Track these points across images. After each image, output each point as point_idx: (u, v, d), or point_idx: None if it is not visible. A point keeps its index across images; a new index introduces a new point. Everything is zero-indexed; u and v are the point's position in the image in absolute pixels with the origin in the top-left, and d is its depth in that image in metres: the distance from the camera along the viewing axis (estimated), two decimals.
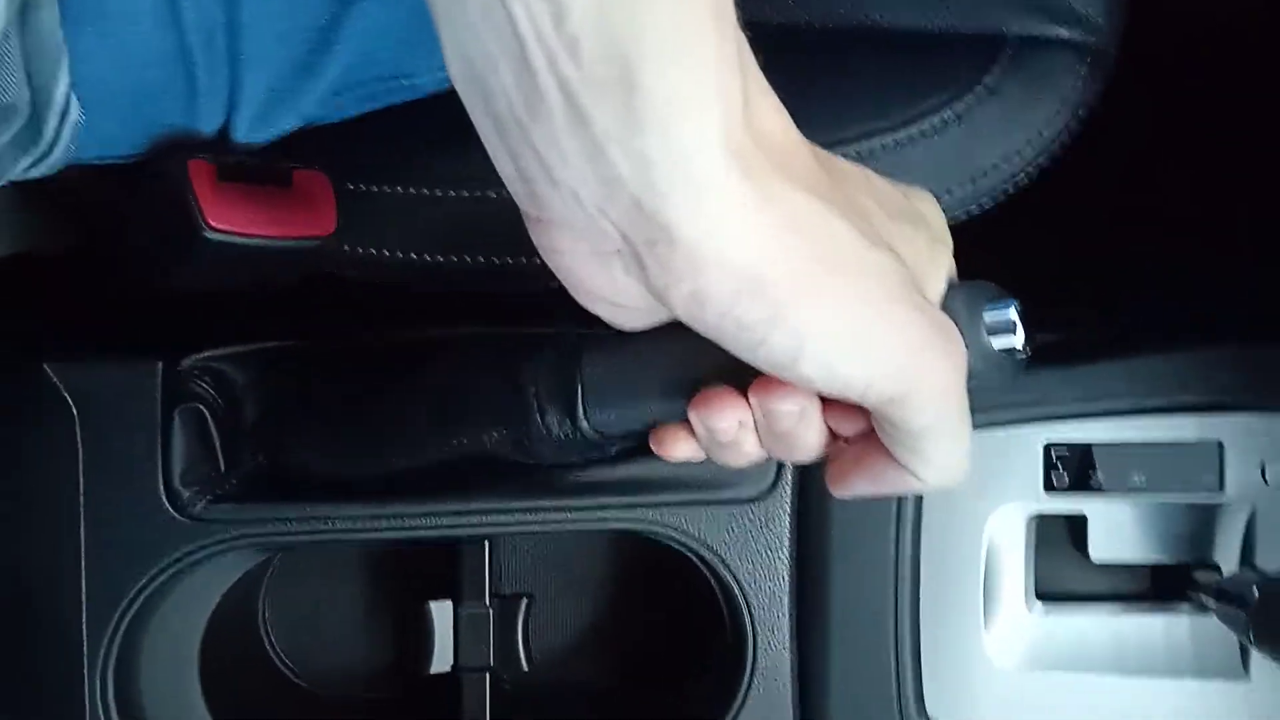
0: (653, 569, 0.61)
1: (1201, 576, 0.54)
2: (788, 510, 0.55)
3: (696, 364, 0.37)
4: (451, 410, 0.44)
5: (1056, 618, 0.56)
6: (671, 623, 0.62)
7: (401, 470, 0.49)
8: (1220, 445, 0.53)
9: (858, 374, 0.32)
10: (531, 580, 0.61)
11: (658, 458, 0.53)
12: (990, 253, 0.42)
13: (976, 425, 0.53)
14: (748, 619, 0.54)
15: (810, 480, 0.54)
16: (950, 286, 0.36)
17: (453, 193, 0.49)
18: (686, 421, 0.38)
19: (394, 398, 0.47)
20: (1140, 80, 0.53)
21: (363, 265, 0.50)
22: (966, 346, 0.34)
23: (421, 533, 0.53)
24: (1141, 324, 0.55)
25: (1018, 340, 0.35)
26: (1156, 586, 0.56)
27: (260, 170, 0.43)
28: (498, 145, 0.30)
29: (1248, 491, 0.53)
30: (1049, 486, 0.54)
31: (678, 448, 0.40)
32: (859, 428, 0.36)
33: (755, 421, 0.36)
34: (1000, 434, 0.54)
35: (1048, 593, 0.56)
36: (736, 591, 0.54)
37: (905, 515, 0.54)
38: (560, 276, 0.34)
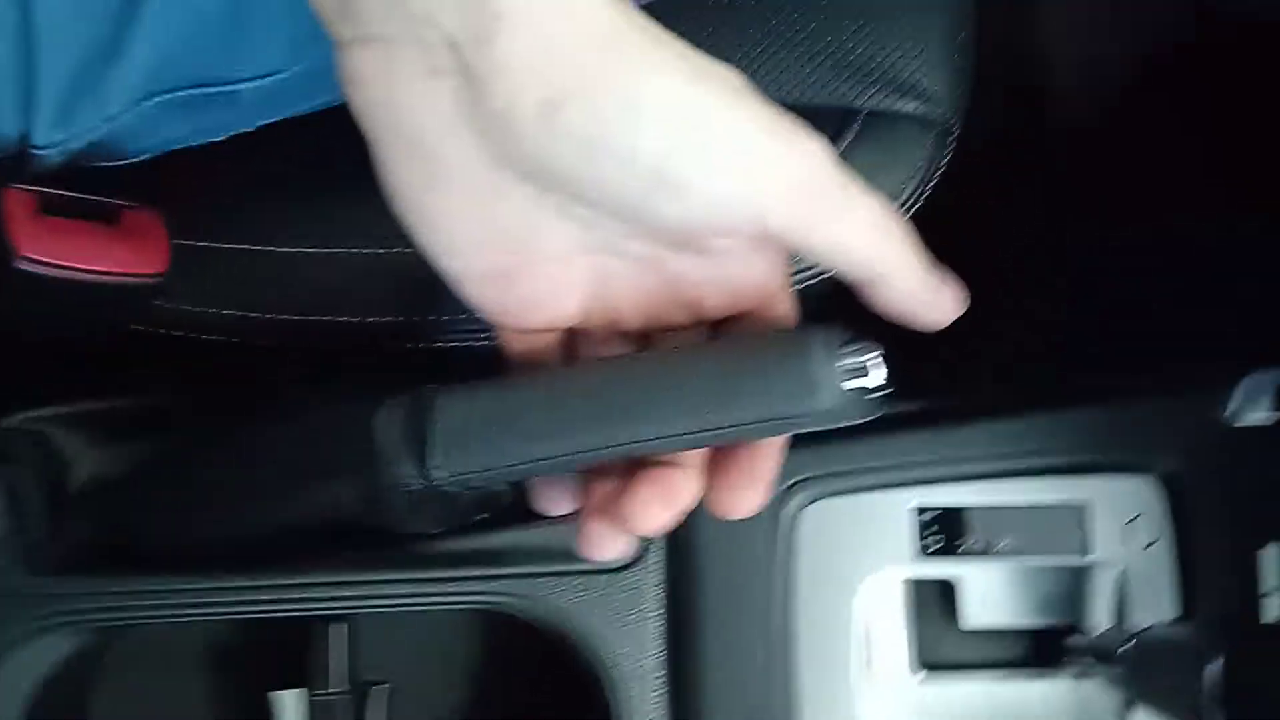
0: (522, 647, 0.58)
1: (1075, 640, 0.53)
2: (657, 580, 0.53)
3: (563, 409, 0.36)
4: (299, 465, 0.42)
5: (938, 686, 0.54)
6: (542, 704, 0.59)
7: (248, 540, 0.47)
8: (1085, 507, 0.53)
9: (742, 171, 0.30)
10: (393, 665, 0.58)
11: (518, 526, 0.52)
12: (848, 319, 0.42)
13: (843, 491, 0.53)
14: (618, 697, 0.52)
15: (681, 546, 0.53)
16: (806, 329, 0.36)
17: (288, 249, 0.48)
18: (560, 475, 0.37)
19: (237, 455, 0.44)
20: (988, 150, 0.54)
21: (196, 323, 0.48)
22: (823, 388, 0.34)
23: (267, 610, 0.49)
24: (1003, 386, 0.55)
25: (873, 380, 0.34)
26: (1034, 651, 0.55)
27: (86, 205, 0.41)
28: None
29: (1115, 553, 0.53)
30: (920, 551, 0.53)
31: (560, 506, 0.38)
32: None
33: None
34: (869, 498, 0.53)
35: (930, 660, 0.55)
36: (606, 668, 0.52)
37: (777, 583, 0.53)
38: (367, 116, 0.31)
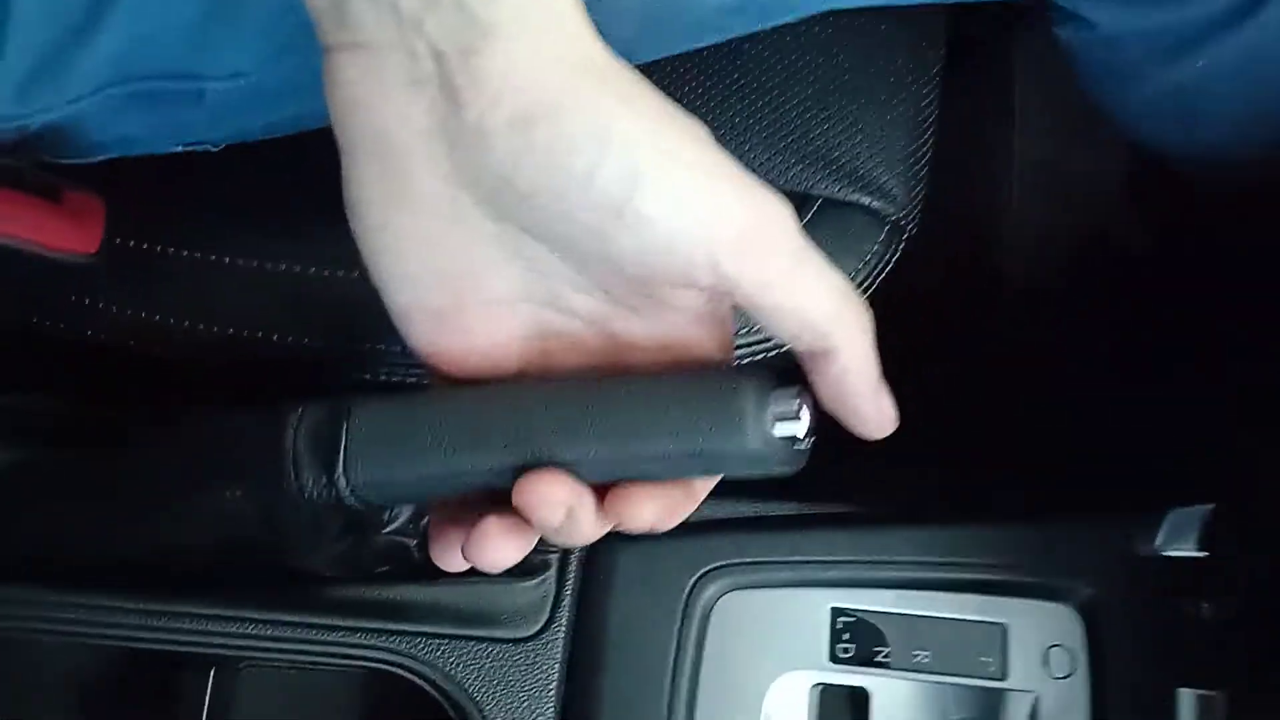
0: (399, 711, 0.54)
1: None
2: (558, 657, 0.50)
3: (481, 425, 0.34)
4: (194, 463, 0.39)
5: None
6: None
7: (125, 556, 0.43)
8: (1004, 628, 0.52)
9: (703, 211, 0.30)
10: (257, 707, 0.53)
11: (420, 582, 0.50)
12: None
13: (760, 584, 0.51)
14: None
15: (588, 620, 0.50)
16: (738, 369, 0.35)
17: (228, 259, 0.47)
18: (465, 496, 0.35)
19: (124, 456, 0.42)
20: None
21: (119, 327, 0.46)
22: (751, 428, 0.33)
23: (134, 637, 0.46)
24: (929, 495, 0.55)
25: (801, 428, 0.34)
26: None
27: (27, 176, 0.40)
28: None
29: (1031, 679, 0.52)
30: (834, 657, 0.51)
31: (450, 557, 0.36)
32: (649, 512, 0.34)
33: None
34: (786, 595, 0.52)
35: None
36: None
37: (683, 673, 0.50)
38: (344, 120, 0.31)
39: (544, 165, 0.30)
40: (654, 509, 0.34)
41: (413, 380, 0.47)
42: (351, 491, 0.36)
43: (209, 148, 0.47)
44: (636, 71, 0.31)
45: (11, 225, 0.38)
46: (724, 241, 0.31)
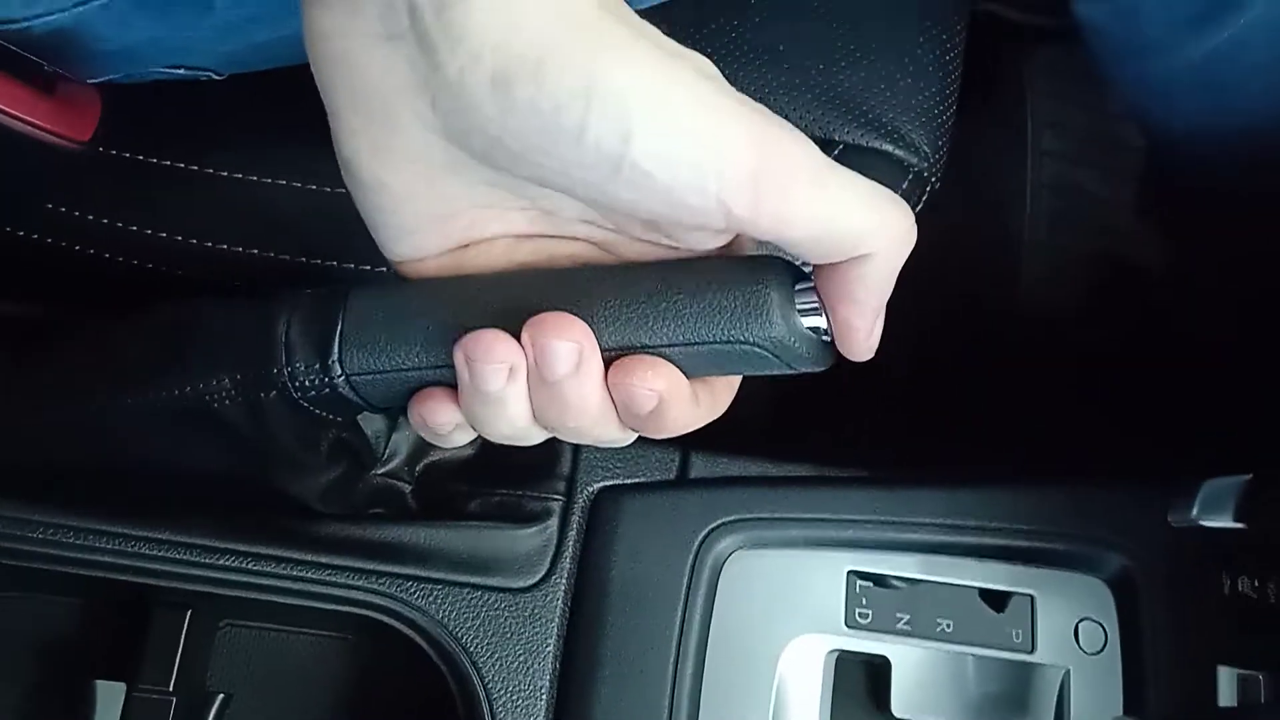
0: (385, 674, 0.51)
1: None
2: (557, 610, 0.47)
3: (470, 310, 0.32)
4: (176, 345, 0.36)
5: None
6: None
7: (99, 469, 0.41)
8: (1032, 599, 0.49)
9: (704, 158, 0.28)
10: (237, 678, 0.50)
11: (413, 523, 0.47)
12: None
13: (773, 543, 0.49)
14: None
15: (590, 574, 0.47)
16: (751, 258, 0.33)
17: (224, 174, 0.45)
18: (451, 385, 0.33)
19: (102, 336, 0.39)
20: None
21: (110, 240, 0.44)
22: (779, 323, 0.31)
23: (99, 557, 0.42)
24: (950, 455, 0.52)
25: (825, 321, 0.32)
26: None
27: (23, 63, 0.38)
28: None
29: (1061, 654, 0.48)
30: (851, 623, 0.48)
31: (438, 412, 0.33)
32: (656, 385, 0.31)
33: (528, 371, 0.31)
34: (800, 556, 0.49)
35: None
36: (485, 697, 0.45)
37: (689, 635, 0.47)
38: (325, 74, 0.29)
39: (531, 124, 0.28)
40: (657, 381, 0.31)
41: None
42: (346, 379, 0.34)
43: (213, 75, 0.46)
44: (632, 15, 0.29)
45: (7, 101, 0.36)
46: (733, 185, 0.29)
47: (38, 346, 0.42)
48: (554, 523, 0.48)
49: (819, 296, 0.32)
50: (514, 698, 0.45)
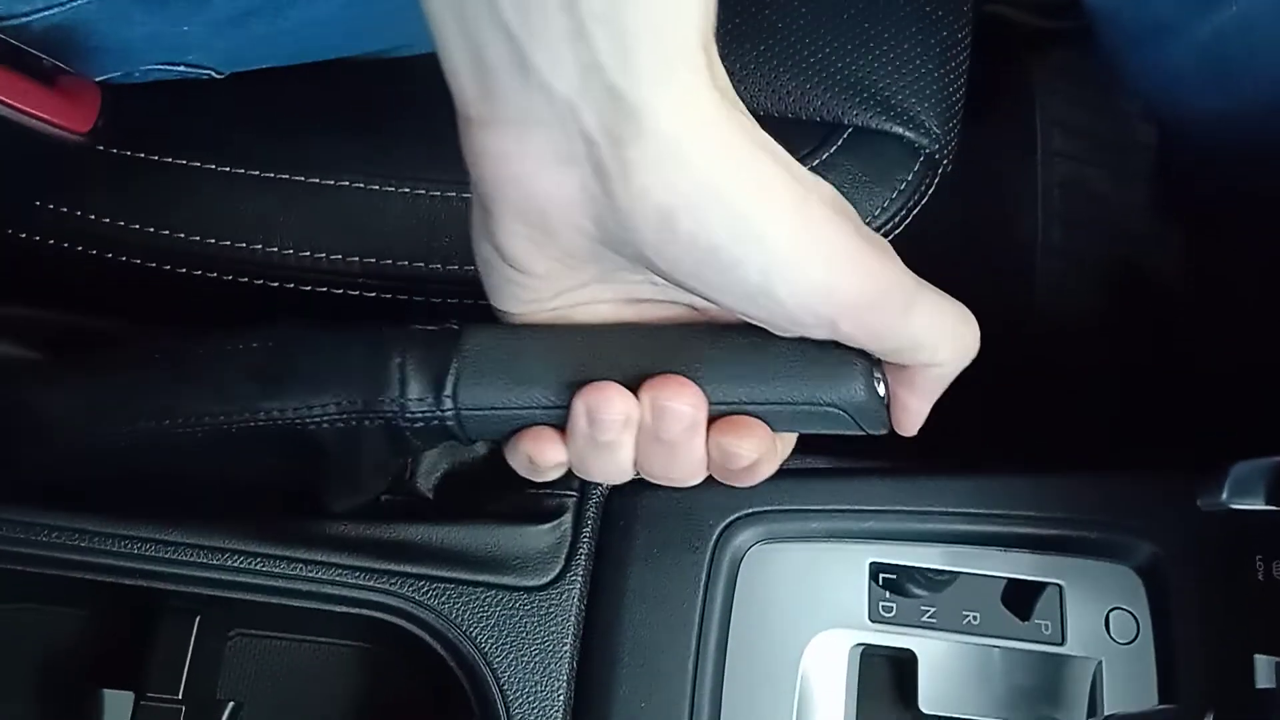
0: (398, 681, 0.49)
1: None
2: (573, 609, 0.46)
3: (589, 361, 0.35)
4: (277, 369, 0.37)
5: None
6: None
7: (139, 473, 0.40)
8: (1061, 589, 0.48)
9: (828, 292, 0.32)
10: (247, 688, 0.48)
11: (424, 520, 0.46)
12: None
13: (794, 536, 0.48)
14: None
15: (607, 570, 0.46)
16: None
17: (227, 169, 0.44)
18: (556, 426, 0.36)
19: (180, 352, 0.38)
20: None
21: (112, 240, 0.44)
22: (861, 391, 0.35)
23: (108, 561, 0.42)
24: (976, 444, 0.51)
25: (884, 391, 0.36)
26: None
27: (23, 56, 0.38)
28: (454, 35, 0.29)
29: (1092, 645, 0.47)
30: (875, 616, 0.47)
31: (547, 452, 0.36)
32: (754, 445, 0.35)
33: (642, 423, 0.35)
34: (821, 549, 0.48)
35: None
36: (497, 700, 0.44)
37: (709, 631, 0.46)
38: (493, 189, 0.32)
39: (686, 253, 0.31)
40: (755, 443, 0.35)
41: (402, 298, 0.44)
42: (456, 413, 0.36)
43: (213, 74, 0.46)
44: (765, 137, 0.32)
45: (6, 92, 0.36)
46: (846, 311, 0.33)
47: (74, 355, 0.42)
48: (568, 519, 0.47)
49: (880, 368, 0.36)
50: (530, 699, 0.44)
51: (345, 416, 0.36)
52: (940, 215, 0.52)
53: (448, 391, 0.35)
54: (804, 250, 0.32)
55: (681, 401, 0.34)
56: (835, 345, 0.35)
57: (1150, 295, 0.75)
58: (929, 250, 0.48)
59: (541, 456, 0.36)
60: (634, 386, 0.34)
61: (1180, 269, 0.76)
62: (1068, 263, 0.82)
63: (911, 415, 0.37)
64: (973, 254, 0.77)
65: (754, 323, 0.35)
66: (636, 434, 0.35)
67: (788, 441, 0.38)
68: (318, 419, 0.36)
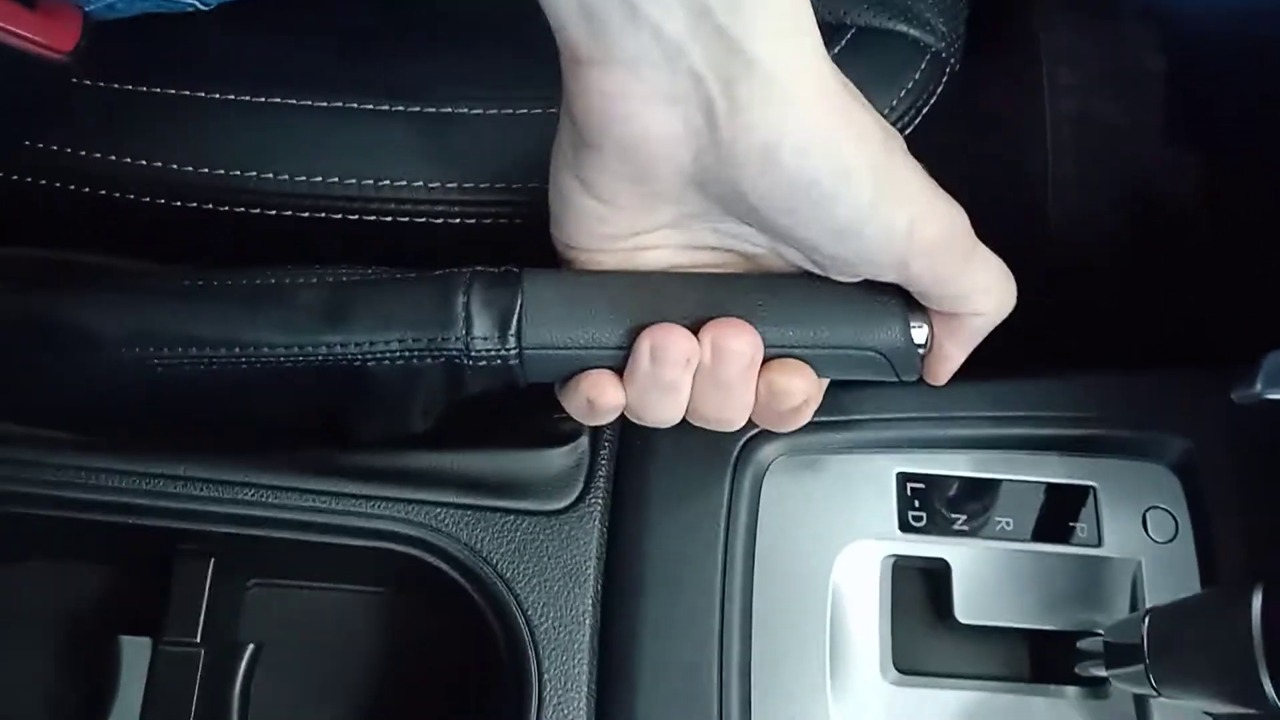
0: (421, 623, 0.49)
1: (1086, 644, 0.44)
2: (595, 532, 0.45)
3: (653, 303, 0.36)
4: (339, 306, 0.36)
5: (918, 692, 0.45)
6: (442, 682, 0.48)
7: (165, 406, 0.39)
8: (1095, 491, 0.47)
9: (910, 229, 0.34)
10: (266, 635, 0.47)
11: (440, 448, 0.45)
12: None
13: (818, 448, 0.46)
14: (539, 659, 0.42)
15: (628, 491, 0.45)
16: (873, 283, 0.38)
17: (217, 95, 0.43)
18: (618, 368, 0.36)
19: (254, 282, 0.38)
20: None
21: (107, 176, 0.43)
22: (900, 338, 0.37)
23: (118, 499, 0.41)
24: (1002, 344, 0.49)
25: (924, 336, 0.38)
26: (1035, 655, 0.46)
27: None
28: None
29: (1131, 545, 0.46)
30: (905, 526, 0.46)
31: (607, 394, 0.36)
32: (803, 385, 0.37)
33: (701, 364, 0.36)
34: (847, 459, 0.46)
35: (907, 660, 0.45)
36: (526, 625, 0.43)
37: (735, 547, 0.45)
38: (598, 127, 0.32)
39: (783, 188, 0.33)
40: (804, 383, 0.37)
41: (403, 220, 0.43)
42: (519, 352, 0.36)
43: (198, 6, 0.45)
44: (850, 83, 0.34)
45: None
46: (919, 250, 0.35)
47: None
48: (585, 441, 0.46)
49: (929, 324, 0.38)
50: (556, 624, 0.43)
51: (409, 354, 0.36)
52: (948, 154, 0.50)
53: (512, 330, 0.36)
54: (893, 191, 0.33)
55: (741, 342, 0.35)
56: (877, 298, 0.37)
57: (1168, 223, 0.74)
58: (942, 165, 0.47)
59: (602, 398, 0.36)
60: (694, 329, 0.35)
61: (1198, 196, 0.74)
62: (1082, 195, 0.80)
63: (948, 363, 0.39)
64: (983, 194, 0.76)
65: (815, 268, 0.37)
66: (694, 375, 0.36)
67: (823, 389, 0.39)
68: (379, 355, 0.36)
